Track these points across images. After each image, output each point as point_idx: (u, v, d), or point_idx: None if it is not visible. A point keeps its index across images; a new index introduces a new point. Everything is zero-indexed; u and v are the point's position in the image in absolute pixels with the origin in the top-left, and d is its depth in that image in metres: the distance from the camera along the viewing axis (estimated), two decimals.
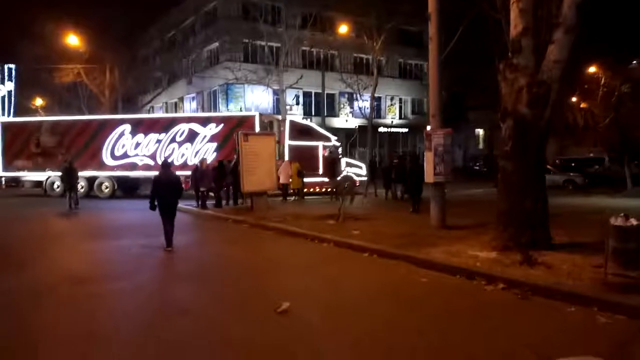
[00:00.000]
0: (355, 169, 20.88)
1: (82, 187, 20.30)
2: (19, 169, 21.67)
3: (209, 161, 17.87)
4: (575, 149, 47.57)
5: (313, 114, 35.45)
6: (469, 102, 41.28)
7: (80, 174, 18.79)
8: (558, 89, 7.62)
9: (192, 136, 20.24)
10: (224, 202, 16.66)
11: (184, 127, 20.40)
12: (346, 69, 35.32)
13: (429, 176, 10.23)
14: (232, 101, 33.84)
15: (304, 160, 19.34)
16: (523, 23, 7.61)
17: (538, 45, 7.72)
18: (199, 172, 15.78)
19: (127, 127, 20.78)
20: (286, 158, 19.74)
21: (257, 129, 20.10)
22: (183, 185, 10.20)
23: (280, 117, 23.96)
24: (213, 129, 20.21)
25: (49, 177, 21.00)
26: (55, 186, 20.97)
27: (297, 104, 35.52)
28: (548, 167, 29.47)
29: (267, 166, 15.02)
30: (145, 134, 20.59)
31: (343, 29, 30.36)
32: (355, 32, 33.12)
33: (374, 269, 7.50)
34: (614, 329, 4.76)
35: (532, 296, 5.78)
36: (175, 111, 42.09)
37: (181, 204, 16.47)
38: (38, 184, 21.76)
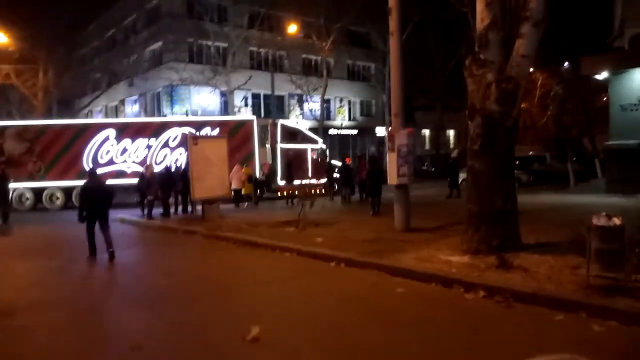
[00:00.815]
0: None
1: (57, 198, 19.14)
2: None
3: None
4: (516, 147, 49.59)
5: (262, 115, 34.59)
6: (414, 103, 41.80)
7: (53, 184, 17.88)
8: (524, 86, 7.40)
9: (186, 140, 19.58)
10: (172, 210, 15.70)
11: (176, 132, 19.94)
12: (295, 70, 34.78)
13: (392, 178, 9.85)
14: (178, 103, 32.44)
15: (295, 162, 19.28)
16: (490, 16, 7.35)
17: (504, 39, 7.47)
18: (145, 179, 14.77)
19: (111, 132, 19.60)
20: (268, 160, 19.53)
21: (256, 134, 20.43)
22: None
23: (270, 120, 23.44)
24: (209, 133, 19.81)
25: (15, 190, 18.71)
26: (24, 199, 19.18)
27: (246, 105, 34.58)
28: None
29: (219, 172, 14.20)
30: (133, 139, 19.69)
31: (292, 28, 29.86)
32: (304, 33, 32.74)
33: (344, 280, 6.97)
34: (610, 337, 4.47)
35: (515, 303, 5.45)
36: (116, 115, 40.02)
37: (126, 215, 15.62)
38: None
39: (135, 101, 37.40)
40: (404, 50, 31.36)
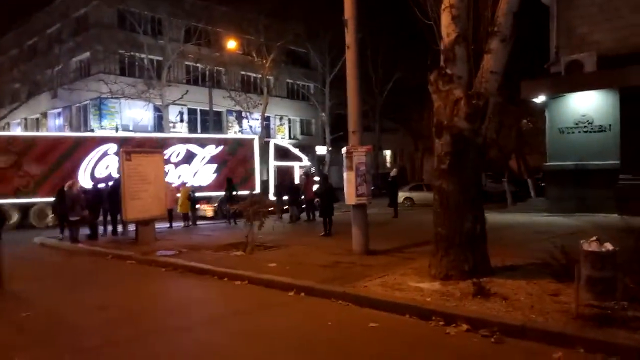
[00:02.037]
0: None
1: (47, 215, 17.58)
2: None
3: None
4: None
5: (199, 131, 33.21)
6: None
7: (43, 200, 16.65)
8: (495, 102, 7.10)
9: (189, 157, 20.08)
10: (100, 232, 14.18)
11: (180, 148, 20.06)
12: (234, 86, 33.82)
13: (350, 198, 9.25)
14: (107, 117, 30.41)
15: (286, 179, 19.47)
16: (457, 30, 7.01)
17: (471, 54, 7.17)
18: (69, 197, 13.18)
19: (111, 147, 18.71)
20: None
21: (257, 152, 21.27)
22: None
23: (264, 139, 23.94)
24: (212, 150, 20.43)
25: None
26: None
27: (182, 121, 33.09)
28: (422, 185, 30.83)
29: (155, 190, 12.96)
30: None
31: (231, 44, 29.02)
32: (243, 50, 32.04)
33: (307, 314, 6.17)
34: None
35: (504, 337, 4.92)
36: (38, 129, 36.92)
37: (43, 238, 13.91)
38: None
39: (59, 114, 34.76)
40: (341, 73, 31.56)
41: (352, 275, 7.49)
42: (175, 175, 19.50)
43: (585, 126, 15.90)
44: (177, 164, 19.91)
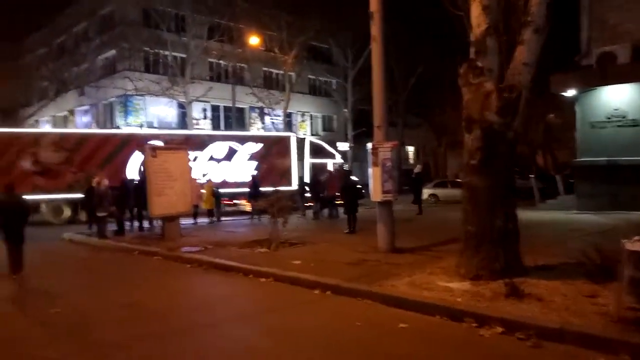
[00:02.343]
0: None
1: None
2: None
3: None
4: None
5: (222, 128, 33.39)
6: (372, 119, 41.69)
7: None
8: (527, 96, 6.85)
9: (231, 154, 20.59)
10: (127, 227, 14.35)
11: (222, 145, 20.56)
12: (256, 82, 33.85)
13: (376, 194, 9.09)
14: (132, 114, 30.75)
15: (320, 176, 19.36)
16: (487, 21, 6.77)
17: (501, 46, 6.92)
18: (97, 193, 13.35)
19: (158, 143, 18.45)
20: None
21: (293, 149, 21.61)
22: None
23: (299, 135, 24.29)
24: (252, 147, 21.06)
25: (52, 201, 17.72)
26: (60, 211, 17.98)
27: (205, 117, 33.29)
28: (459, 180, 30.36)
29: (180, 186, 13.03)
30: None
31: (253, 40, 29.03)
32: (266, 46, 32.06)
33: (334, 313, 6.06)
34: None
35: (541, 340, 4.72)
36: (65, 126, 37.67)
37: (72, 234, 14.13)
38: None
39: (86, 111, 35.33)
40: (363, 68, 31.24)
41: (379, 274, 7.35)
42: (218, 171, 20.04)
43: (618, 120, 15.37)
44: (219, 161, 20.40)
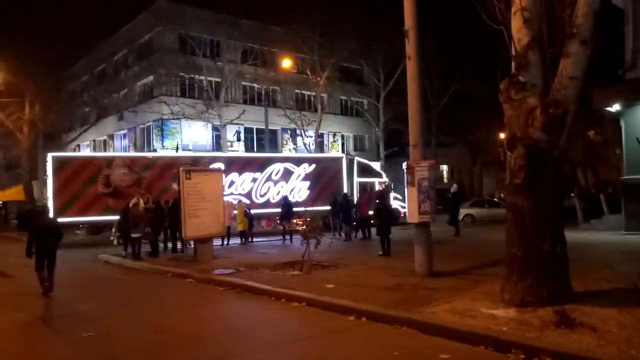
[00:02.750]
0: (397, 203, 21.11)
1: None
2: (78, 214, 18.21)
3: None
4: None
5: (255, 150, 33.70)
6: (403, 138, 41.35)
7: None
8: (574, 111, 6.48)
9: (286, 175, 21.41)
10: (161, 248, 14.42)
11: (279, 167, 21.43)
12: (288, 104, 34.14)
13: (412, 215, 8.78)
14: (168, 137, 31.45)
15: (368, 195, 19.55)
16: (530, 34, 6.49)
17: (545, 60, 6.61)
18: (133, 214, 13.50)
19: (219, 165, 19.58)
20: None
21: (344, 170, 22.32)
22: None
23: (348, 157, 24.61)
24: (307, 168, 21.85)
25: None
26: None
27: (239, 140, 33.71)
28: (496, 200, 29.50)
29: (214, 208, 13.03)
30: (240, 173, 20.64)
31: (286, 63, 29.39)
32: (298, 68, 32.40)
33: (372, 341, 5.75)
34: None
35: None
36: (105, 150, 38.91)
37: (108, 255, 14.31)
38: (96, 230, 19.85)
39: (124, 135, 36.38)
40: (395, 87, 31.23)
41: (417, 299, 7.01)
42: (275, 191, 21.03)
43: None
44: (275, 182, 21.26)
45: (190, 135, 31.60)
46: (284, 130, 35.47)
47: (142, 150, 32.23)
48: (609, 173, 29.93)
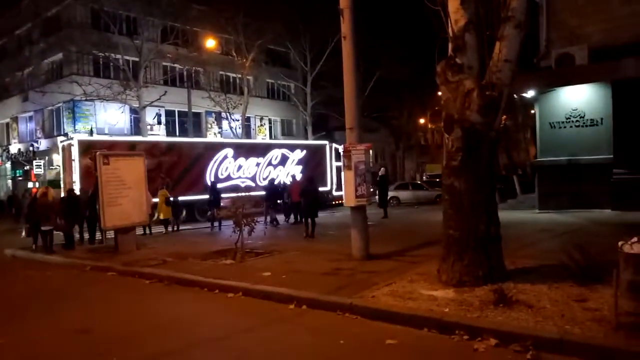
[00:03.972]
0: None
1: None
2: None
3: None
4: (430, 166, 51.29)
5: (177, 134, 32.26)
6: (331, 123, 41.66)
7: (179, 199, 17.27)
8: (507, 94, 6.62)
9: (283, 160, 22.91)
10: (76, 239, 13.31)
11: (277, 152, 22.89)
12: (213, 86, 32.93)
13: (349, 199, 8.68)
14: (81, 120, 29.21)
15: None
16: (466, 16, 6.51)
17: (481, 42, 6.68)
18: (41, 205, 12.30)
19: (229, 151, 21.11)
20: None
21: (328, 157, 24.27)
22: None
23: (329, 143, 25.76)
24: (299, 153, 23.54)
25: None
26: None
27: (159, 123, 32.02)
28: (419, 183, 30.56)
29: (135, 195, 12.19)
30: (247, 158, 21.65)
31: (210, 43, 28.24)
32: (222, 49, 31.29)
33: (315, 330, 5.56)
34: None
35: (540, 352, 4.42)
36: (8, 133, 35.52)
37: (14, 250, 12.96)
38: None
39: (30, 118, 33.34)
40: (323, 71, 31.52)
41: (357, 284, 6.92)
42: (274, 175, 21.91)
43: (577, 120, 15.64)
44: (275, 166, 22.65)
45: (106, 118, 29.59)
46: (209, 113, 34.21)
47: (52, 133, 29.74)
48: (519, 156, 32.01)
